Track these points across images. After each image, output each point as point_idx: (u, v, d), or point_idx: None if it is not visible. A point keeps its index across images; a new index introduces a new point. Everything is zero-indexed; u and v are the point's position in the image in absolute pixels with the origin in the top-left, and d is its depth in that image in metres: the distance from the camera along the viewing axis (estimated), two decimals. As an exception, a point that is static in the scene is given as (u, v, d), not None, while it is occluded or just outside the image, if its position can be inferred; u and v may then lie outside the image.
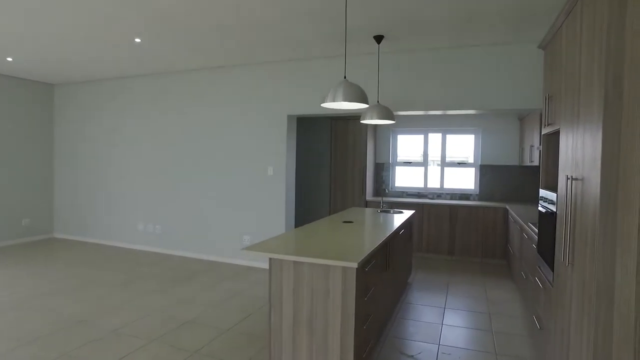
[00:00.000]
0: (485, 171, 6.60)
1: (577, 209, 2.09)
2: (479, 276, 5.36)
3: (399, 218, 4.38)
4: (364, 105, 3.31)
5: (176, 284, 4.83)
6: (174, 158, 6.36)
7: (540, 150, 4.32)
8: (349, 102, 3.19)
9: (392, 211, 4.99)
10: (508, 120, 6.48)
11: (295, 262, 2.68)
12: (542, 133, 3.17)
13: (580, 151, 2.06)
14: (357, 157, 6.70)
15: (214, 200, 6.08)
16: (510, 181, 6.49)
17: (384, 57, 5.03)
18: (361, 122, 4.41)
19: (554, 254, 2.61)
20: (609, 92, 1.65)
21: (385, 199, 6.72)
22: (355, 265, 2.45)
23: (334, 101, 3.09)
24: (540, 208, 3.13)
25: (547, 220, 2.85)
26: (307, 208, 7.83)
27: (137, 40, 4.61)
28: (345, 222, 4.06)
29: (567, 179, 2.23)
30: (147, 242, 6.61)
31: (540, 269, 3.09)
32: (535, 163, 4.83)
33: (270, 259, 2.76)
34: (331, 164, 6.91)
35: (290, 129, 5.70)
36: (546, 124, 2.96)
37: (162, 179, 6.46)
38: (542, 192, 3.07)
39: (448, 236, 6.24)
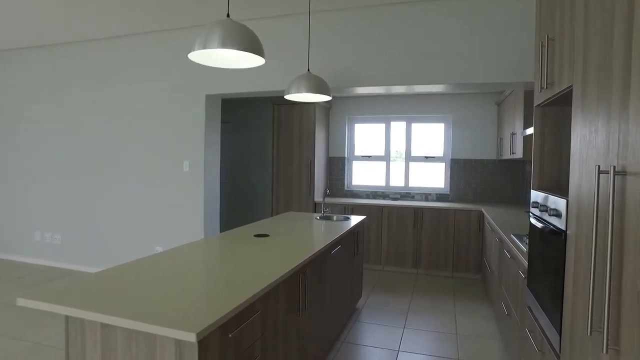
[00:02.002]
0: (457, 167, 5.54)
1: (624, 232, 0.96)
2: (449, 297, 4.28)
3: (340, 228, 3.23)
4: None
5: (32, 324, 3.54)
6: (69, 152, 5.04)
7: (526, 135, 3.23)
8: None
9: (335, 217, 3.84)
10: (483, 105, 5.42)
11: (102, 325, 1.47)
12: (536, 104, 2.06)
13: (632, 124, 0.93)
14: (305, 149, 5.53)
15: (122, 204, 4.79)
16: (486, 179, 5.44)
17: (319, 17, 3.86)
18: (285, 97, 3.23)
19: (561, 306, 1.49)
20: None
21: (337, 200, 5.57)
22: (192, 337, 1.27)
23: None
24: (532, 220, 2.01)
25: (546, 242, 1.73)
26: (247, 211, 6.61)
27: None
28: (258, 235, 2.87)
29: (600, 172, 1.10)
30: (44, 254, 5.26)
31: (533, 314, 1.98)
32: (519, 155, 3.77)
33: (66, 317, 1.55)
34: (273, 157, 5.72)
35: (211, 113, 4.47)
36: (543, 86, 1.84)
37: (61, 176, 5.12)
38: (536, 195, 1.95)
39: (412, 245, 5.15)
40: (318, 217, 3.81)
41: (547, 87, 1.75)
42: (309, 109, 5.48)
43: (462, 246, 4.96)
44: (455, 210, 4.98)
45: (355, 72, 3.77)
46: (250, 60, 2.13)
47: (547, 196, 1.76)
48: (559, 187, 2.01)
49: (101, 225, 4.89)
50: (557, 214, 1.61)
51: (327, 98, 3.31)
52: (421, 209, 5.09)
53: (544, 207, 1.78)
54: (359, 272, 3.81)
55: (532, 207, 1.99)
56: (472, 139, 5.48)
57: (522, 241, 2.69)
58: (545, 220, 1.77)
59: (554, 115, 2.01)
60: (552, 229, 1.67)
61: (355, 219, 3.73)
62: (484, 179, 5.44)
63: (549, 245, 1.71)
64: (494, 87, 3.58)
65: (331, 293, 2.88)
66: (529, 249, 2.05)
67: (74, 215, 5.03)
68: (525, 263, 2.18)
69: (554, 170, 2.02)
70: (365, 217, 3.92)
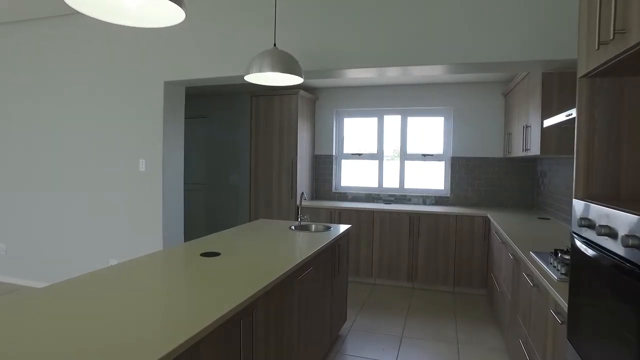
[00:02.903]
0: (459, 166, 4.90)
1: None
2: (450, 320, 3.64)
3: (317, 241, 2.59)
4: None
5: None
6: (4, 151, 4.37)
7: (545, 128, 2.59)
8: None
9: (313, 227, 3.20)
10: (489, 96, 4.78)
11: None
12: (581, 74, 1.41)
13: None
14: (287, 147, 4.88)
15: (71, 210, 4.13)
16: (491, 179, 4.80)
17: (302, -15, 3.21)
18: (245, 78, 2.58)
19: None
20: None
21: (323, 204, 4.92)
22: None
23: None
24: (578, 243, 1.36)
25: (609, 282, 1.09)
26: (227, 216, 5.96)
27: None
28: (206, 254, 2.23)
29: None
30: (-18, 268, 4.60)
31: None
32: (534, 152, 3.12)
33: None
34: (251, 156, 5.06)
35: (173, 104, 3.81)
36: (605, 39, 1.19)
37: (5, 176, 4.46)
38: (584, 208, 1.31)
39: (408, 255, 4.50)
40: (293, 227, 3.16)
41: (613, 38, 1.10)
42: (291, 100, 4.82)
43: (465, 257, 4.32)
44: (456, 216, 4.34)
45: (339, 51, 3.12)
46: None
47: (612, 212, 1.11)
48: (617, 197, 1.37)
49: (49, 234, 4.23)
50: (637, 244, 0.97)
51: (297, 80, 2.66)
52: (418, 214, 4.45)
53: (605, 229, 1.13)
54: (341, 294, 3.16)
55: (579, 225, 1.35)
56: (475, 134, 4.84)
57: (547, 263, 2.05)
58: (607, 250, 1.13)
59: (610, 89, 1.37)
60: (623, 266, 1.02)
61: (337, 229, 3.09)
62: (488, 180, 4.80)
63: (613, 289, 1.07)
64: (506, 67, 2.93)
65: (301, 327, 2.23)
66: (573, 285, 1.41)
67: (20, 222, 4.36)
68: (561, 302, 1.54)
69: (609, 172, 1.38)
70: (350, 226, 3.27)
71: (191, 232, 6.13)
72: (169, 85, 3.75)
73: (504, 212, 4.32)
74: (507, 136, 4.32)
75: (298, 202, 4.87)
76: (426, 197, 5.01)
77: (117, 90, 3.87)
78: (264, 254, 2.28)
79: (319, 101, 5.40)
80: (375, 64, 3.05)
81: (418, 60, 2.94)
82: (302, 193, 3.27)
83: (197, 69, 3.54)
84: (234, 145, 5.88)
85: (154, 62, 3.70)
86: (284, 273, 1.91)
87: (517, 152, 3.77)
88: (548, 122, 2.38)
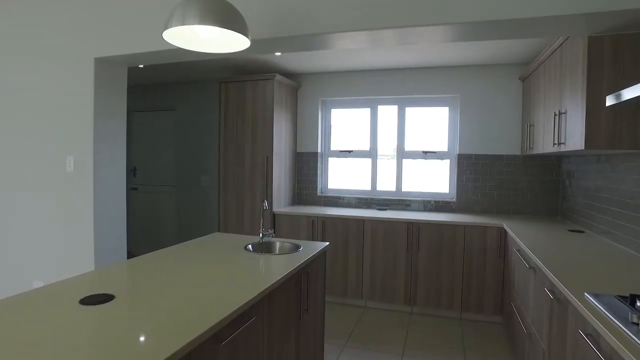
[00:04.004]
0: (467, 165, 4.10)
1: None
2: (457, 354, 2.85)
3: (275, 269, 1.80)
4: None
5: None
6: None
7: (591, 114, 1.79)
8: None
9: (277, 246, 2.42)
10: (502, 81, 3.98)
11: None
12: None
13: None
14: (261, 143, 4.09)
15: (-16, 218, 3.35)
16: (506, 181, 4.00)
17: None
18: (164, 36, 1.79)
19: None
20: None
21: (305, 210, 4.13)
22: None
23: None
24: None
25: None
26: (197, 224, 5.18)
27: None
28: (89, 299, 1.44)
29: None
30: None
31: None
32: (574, 146, 2.33)
33: None
34: (220, 154, 4.27)
35: (108, 88, 3.03)
36: None
37: None
38: None
39: (405, 273, 3.71)
40: (250, 247, 2.37)
41: None
42: (265, 87, 4.03)
43: (475, 277, 3.53)
44: (465, 226, 3.54)
45: (315, 10, 2.33)
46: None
47: None
48: None
49: (-36, 248, 3.45)
50: None
51: (242, 42, 1.87)
52: (417, 223, 3.66)
53: None
54: (315, 335, 2.37)
55: None
56: (487, 127, 4.04)
57: (622, 317, 1.27)
58: None
59: None
60: None
61: (309, 249, 2.30)
62: (503, 182, 4.00)
63: None
64: (540, 26, 2.12)
65: (233, 416, 1.44)
66: None
67: None
68: None
69: None
70: (327, 244, 2.48)
71: (161, 240, 5.36)
72: (102, 64, 2.96)
73: (523, 221, 3.53)
74: (528, 128, 3.52)
75: (277, 208, 4.08)
76: (427, 203, 4.22)
77: (37, 71, 3.08)
78: (182, 296, 1.49)
79: (301, 89, 4.61)
80: (364, 25, 2.25)
81: (421, 19, 2.14)
82: (264, 202, 2.48)
83: (137, 40, 2.76)
84: (206, 141, 5.10)
85: (81, 36, 2.92)
86: (194, 339, 1.13)
87: (544, 147, 2.97)
88: (613, 100, 1.58)
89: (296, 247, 2.39)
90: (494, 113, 4.01)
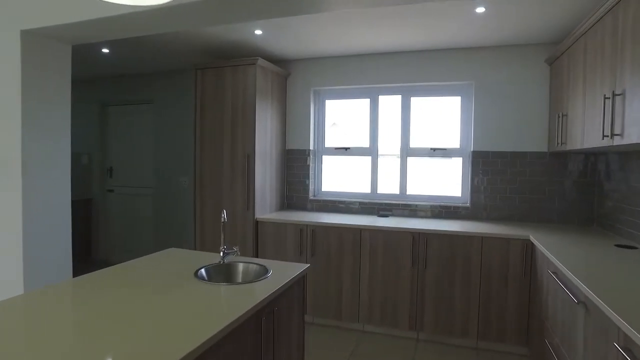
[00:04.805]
0: (483, 164, 3.49)
1: None
2: (476, 412, 2.25)
3: (226, 309, 1.22)
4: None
5: None
6: None
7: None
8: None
9: (240, 270, 1.86)
10: (524, 65, 3.37)
11: None
12: None
13: None
14: (242, 138, 3.51)
15: None
16: (530, 183, 3.38)
17: None
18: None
19: None
20: None
21: (292, 217, 3.56)
22: None
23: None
24: None
25: None
26: (175, 230, 4.63)
27: None
28: None
29: None
30: None
31: None
32: (625, 140, 1.73)
33: None
34: (195, 151, 3.70)
35: (45, 68, 2.47)
36: None
37: None
38: None
39: (410, 293, 3.12)
40: (203, 273, 1.79)
41: None
42: (246, 73, 3.46)
43: (494, 298, 2.93)
44: (482, 238, 2.94)
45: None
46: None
47: None
48: None
49: None
50: None
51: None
52: (425, 233, 3.06)
53: None
54: (289, 388, 1.79)
55: None
56: (506, 119, 3.43)
57: None
58: None
59: None
60: None
61: (280, 275, 1.72)
62: (526, 184, 3.39)
63: None
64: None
65: None
66: None
67: None
68: None
69: None
70: (307, 266, 1.91)
71: (139, 246, 4.82)
72: (33, 38, 2.40)
73: (553, 231, 2.92)
74: (560, 119, 2.90)
75: (260, 214, 3.51)
76: (436, 208, 3.62)
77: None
78: (74, 348, 0.92)
79: (291, 78, 4.03)
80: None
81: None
82: (223, 213, 1.91)
83: (67, 9, 2.19)
84: (185, 138, 4.54)
85: (4, 2, 2.36)
86: None
87: (587, 141, 2.36)
88: None
89: (264, 271, 1.81)
90: (515, 102, 3.40)
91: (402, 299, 3.13)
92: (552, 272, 2.15)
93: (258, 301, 1.44)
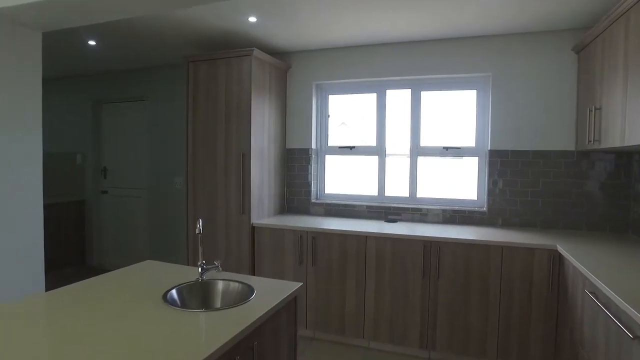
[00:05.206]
0: (502, 165, 3.16)
1: None
2: None
3: (188, 352, 0.93)
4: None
5: None
6: None
7: None
8: None
9: (219, 289, 1.57)
10: (549, 54, 3.03)
11: None
12: None
13: None
14: (236, 136, 3.23)
15: None
16: (557, 186, 3.05)
17: None
18: None
19: None
20: None
21: (291, 222, 3.27)
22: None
23: None
24: None
25: None
26: (168, 234, 4.38)
27: None
28: None
29: None
30: None
31: None
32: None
33: None
34: (188, 150, 3.43)
35: (8, 56, 2.22)
36: None
37: None
38: None
39: (421, 308, 2.80)
40: (174, 294, 1.51)
41: None
42: (241, 65, 3.17)
43: (516, 314, 2.60)
44: (502, 247, 2.62)
45: None
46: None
47: None
48: None
49: None
50: None
51: None
52: (437, 241, 2.75)
53: None
54: None
55: None
56: (527, 115, 3.10)
57: None
58: None
59: None
60: None
61: (266, 297, 1.43)
62: (550, 186, 3.05)
63: None
64: None
65: None
66: None
67: None
68: None
69: None
70: (299, 285, 1.61)
71: (133, 250, 4.59)
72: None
73: (583, 240, 2.59)
74: (590, 114, 2.57)
75: (256, 219, 3.22)
76: (449, 213, 3.30)
77: None
78: None
79: (291, 71, 3.74)
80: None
81: None
82: (198, 221, 1.62)
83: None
84: (179, 136, 4.28)
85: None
86: None
87: (630, 138, 2.03)
88: None
89: (248, 292, 1.52)
90: (537, 96, 3.07)
91: (412, 313, 2.82)
92: (590, 292, 1.82)
93: (231, 337, 1.15)
